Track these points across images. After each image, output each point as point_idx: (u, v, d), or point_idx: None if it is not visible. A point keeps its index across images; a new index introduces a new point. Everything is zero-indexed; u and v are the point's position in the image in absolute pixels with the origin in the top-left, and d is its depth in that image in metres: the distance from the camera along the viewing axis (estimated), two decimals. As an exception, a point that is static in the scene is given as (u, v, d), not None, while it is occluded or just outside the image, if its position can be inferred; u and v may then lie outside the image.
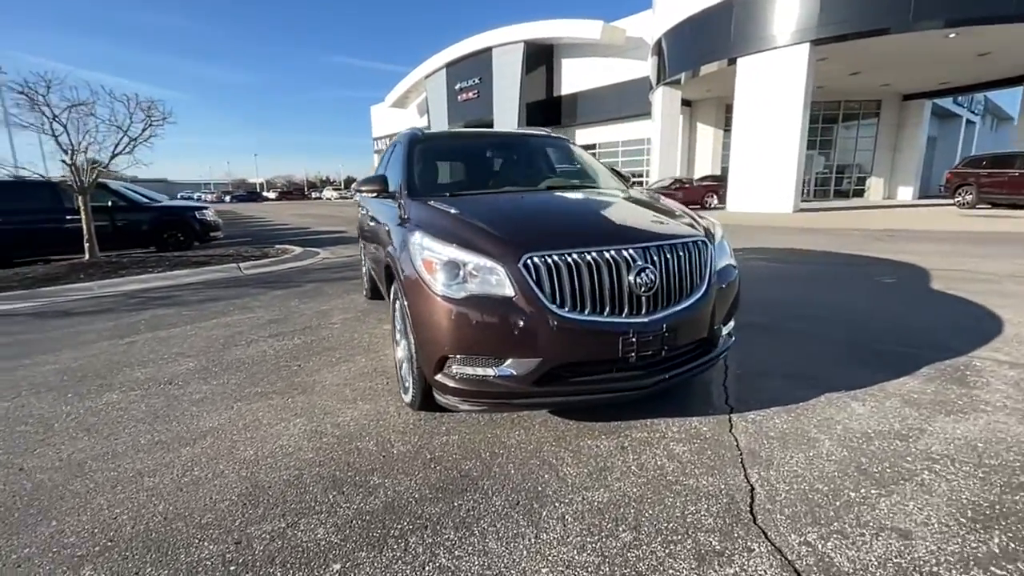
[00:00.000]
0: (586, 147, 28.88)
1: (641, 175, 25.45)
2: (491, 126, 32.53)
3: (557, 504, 1.82)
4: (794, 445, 2.15)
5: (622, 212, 2.69)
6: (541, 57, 29.77)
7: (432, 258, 2.15)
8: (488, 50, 31.11)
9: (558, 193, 3.09)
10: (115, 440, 2.43)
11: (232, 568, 1.56)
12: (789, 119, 15.01)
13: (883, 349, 3.26)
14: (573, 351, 2.03)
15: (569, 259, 2.02)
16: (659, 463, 2.06)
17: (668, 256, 2.16)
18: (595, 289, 2.03)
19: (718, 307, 2.35)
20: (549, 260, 2.01)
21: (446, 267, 2.10)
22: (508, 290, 2.00)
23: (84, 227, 7.51)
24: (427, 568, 1.53)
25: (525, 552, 1.58)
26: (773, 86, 15.15)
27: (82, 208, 7.42)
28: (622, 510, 1.77)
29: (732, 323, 2.59)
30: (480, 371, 2.07)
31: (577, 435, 2.30)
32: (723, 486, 1.89)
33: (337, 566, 1.55)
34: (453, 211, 2.49)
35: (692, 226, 2.45)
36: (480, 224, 2.27)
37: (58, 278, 6.80)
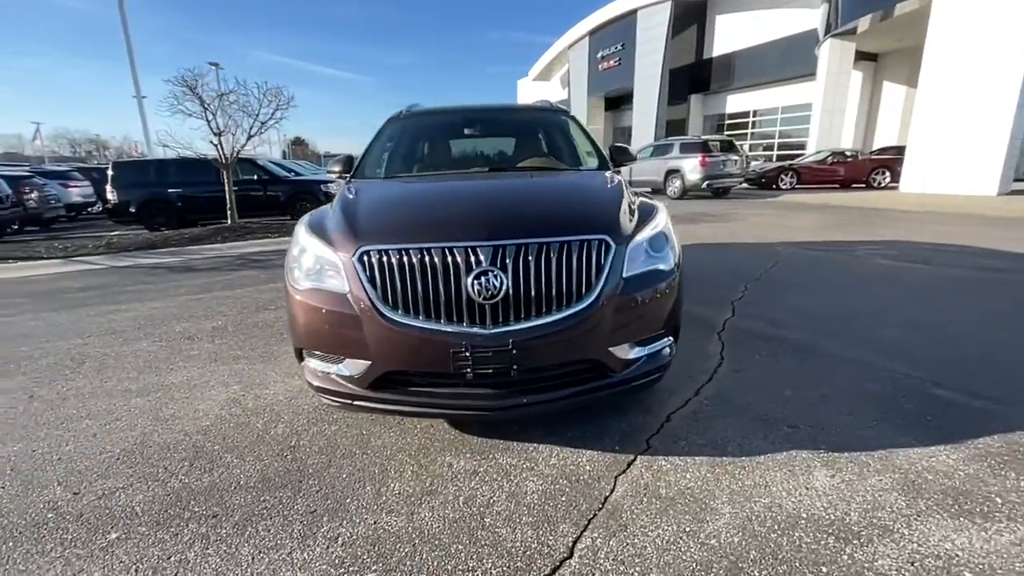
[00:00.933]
0: (738, 115, 25.57)
1: (804, 147, 21.76)
2: (631, 96, 30.74)
3: (344, 523, 1.67)
4: (678, 513, 1.66)
5: (522, 201, 2.31)
6: (691, 16, 26.80)
7: (295, 247, 2.09)
8: (633, 13, 29.03)
9: (484, 178, 2.78)
10: (104, 382, 2.90)
11: (50, 515, 1.76)
12: (1006, 68, 11.27)
13: (948, 398, 2.32)
14: (402, 359, 1.82)
15: (404, 256, 1.78)
16: (492, 499, 1.76)
17: (529, 259, 1.77)
18: (428, 292, 1.77)
19: (622, 323, 1.88)
20: (384, 256, 1.80)
21: (300, 257, 2.03)
22: (344, 285, 1.86)
23: (227, 197, 9.10)
24: (170, 560, 1.54)
25: (261, 567, 1.49)
26: (984, 21, 11.46)
27: (226, 181, 8.96)
28: (396, 547, 1.56)
29: (663, 344, 2.07)
30: (324, 367, 1.98)
31: (444, 448, 2.08)
32: (535, 546, 1.54)
33: (115, 535, 1.65)
34: (352, 196, 2.37)
35: (598, 222, 1.97)
36: (356, 211, 2.14)
37: (202, 239, 8.34)
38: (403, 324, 1.77)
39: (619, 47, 31.34)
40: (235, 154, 8.90)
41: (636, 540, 1.54)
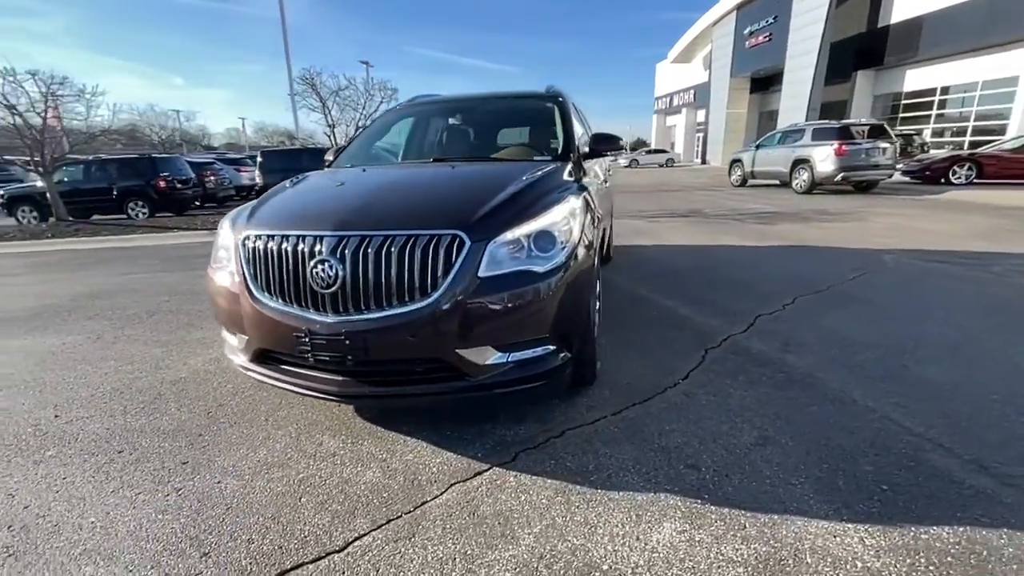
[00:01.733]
0: (919, 94, 21.18)
1: (1005, 131, 17.20)
2: (781, 76, 27.24)
3: (195, 478, 1.86)
4: (476, 534, 1.54)
5: (401, 194, 2.26)
6: (867, -24, 22.59)
7: (220, 228, 2.31)
8: (792, -21, 25.50)
9: (414, 168, 2.78)
10: (152, 333, 3.55)
11: (30, 430, 2.25)
12: None
13: (936, 467, 1.75)
14: (264, 337, 1.95)
15: (270, 241, 1.90)
16: (325, 481, 1.81)
17: (369, 251, 1.75)
18: (281, 276, 1.86)
19: (476, 325, 1.78)
20: (258, 240, 1.94)
21: (216, 240, 2.25)
22: (232, 265, 2.04)
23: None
24: (63, 480, 1.88)
25: (115, 500, 1.75)
26: None
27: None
28: (212, 505, 1.70)
29: (539, 351, 1.90)
30: (227, 337, 2.20)
31: (328, 427, 2.17)
32: (320, 533, 1.57)
33: (51, 453, 2.06)
34: (286, 185, 2.55)
35: (453, 217, 1.85)
36: (268, 198, 2.32)
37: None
38: (263, 304, 1.90)
39: (771, 20, 27.91)
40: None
41: (412, 551, 1.48)
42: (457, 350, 1.79)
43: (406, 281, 1.75)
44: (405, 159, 3.07)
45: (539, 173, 2.32)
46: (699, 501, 1.64)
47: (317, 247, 1.80)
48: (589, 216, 2.25)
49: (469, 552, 1.47)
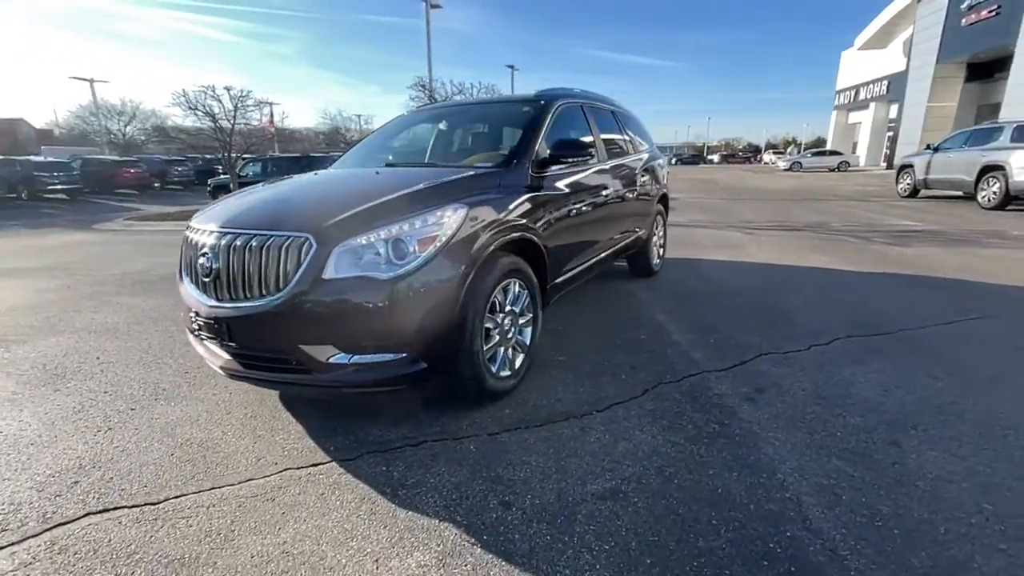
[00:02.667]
0: None
1: None
2: (1010, 57, 21.54)
3: (110, 413, 2.28)
4: (258, 518, 1.65)
5: (297, 196, 2.42)
6: None
7: None
8: (1040, -66, 19.75)
9: (353, 173, 2.96)
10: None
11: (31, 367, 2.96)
12: None
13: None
14: (183, 312, 2.28)
15: (190, 234, 2.22)
16: (151, 444, 2.08)
17: (236, 247, 1.95)
18: (188, 263, 2.17)
19: (317, 325, 1.88)
20: (187, 232, 2.27)
21: None
22: (186, 252, 2.43)
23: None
24: (14, 396, 2.45)
25: (52, 421, 2.24)
26: None
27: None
28: (68, 433, 2.08)
29: (386, 358, 1.92)
30: (188, 310, 2.61)
31: (238, 396, 2.46)
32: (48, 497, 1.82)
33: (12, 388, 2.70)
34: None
35: (307, 221, 1.95)
36: (224, 199, 2.66)
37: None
38: (182, 286, 2.23)
39: (1002, -12, 22.12)
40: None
41: (207, 518, 1.64)
42: (300, 345, 1.90)
43: (262, 277, 1.91)
44: (388, 164, 3.24)
45: (443, 180, 2.30)
46: (471, 542, 1.51)
47: (204, 240, 2.06)
48: (486, 227, 2.17)
49: (229, 531, 1.58)
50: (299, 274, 1.86)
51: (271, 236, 1.92)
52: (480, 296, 2.12)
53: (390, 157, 3.13)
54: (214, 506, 1.70)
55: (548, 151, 2.73)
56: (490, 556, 1.46)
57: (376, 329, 1.89)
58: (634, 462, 1.89)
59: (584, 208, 3.12)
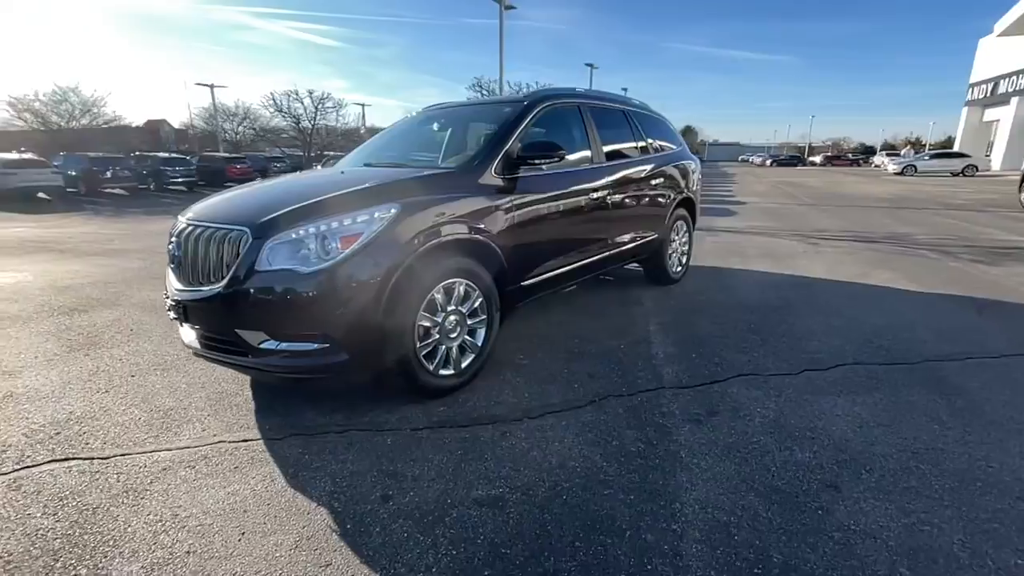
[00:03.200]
0: None
1: None
2: None
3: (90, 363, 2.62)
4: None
5: (262, 193, 2.55)
6: None
7: None
8: None
9: (326, 172, 3.13)
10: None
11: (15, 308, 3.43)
12: None
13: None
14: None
15: (174, 223, 2.49)
16: (120, 404, 2.34)
17: (194, 237, 2.17)
18: (168, 249, 2.44)
19: (249, 311, 2.05)
20: (174, 220, 2.55)
21: None
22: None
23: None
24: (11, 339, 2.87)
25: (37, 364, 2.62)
26: None
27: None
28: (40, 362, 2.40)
29: (308, 347, 2.04)
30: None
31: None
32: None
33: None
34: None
35: (247, 215, 2.12)
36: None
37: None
38: (167, 270, 2.52)
39: None
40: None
41: (113, 474, 1.87)
42: (236, 329, 2.08)
43: (209, 266, 2.12)
44: (366, 164, 3.36)
45: (389, 181, 2.39)
46: (333, 529, 1.58)
47: (175, 230, 2.31)
48: (423, 227, 2.22)
49: (144, 491, 1.77)
50: (236, 264, 2.03)
51: (219, 229, 2.12)
52: (411, 294, 2.17)
53: (375, 158, 3.26)
54: (146, 467, 1.92)
55: (518, 152, 2.71)
56: (341, 545, 1.51)
57: (299, 319, 2.02)
58: (533, 473, 1.85)
59: (567, 209, 3.06)
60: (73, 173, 16.93)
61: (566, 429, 2.15)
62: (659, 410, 2.30)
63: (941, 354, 2.90)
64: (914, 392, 2.45)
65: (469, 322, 2.51)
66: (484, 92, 10.36)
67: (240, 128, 31.86)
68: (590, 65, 29.08)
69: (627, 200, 3.66)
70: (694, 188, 4.72)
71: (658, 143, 4.26)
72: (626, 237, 3.77)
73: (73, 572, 1.42)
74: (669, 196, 4.23)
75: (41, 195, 15.53)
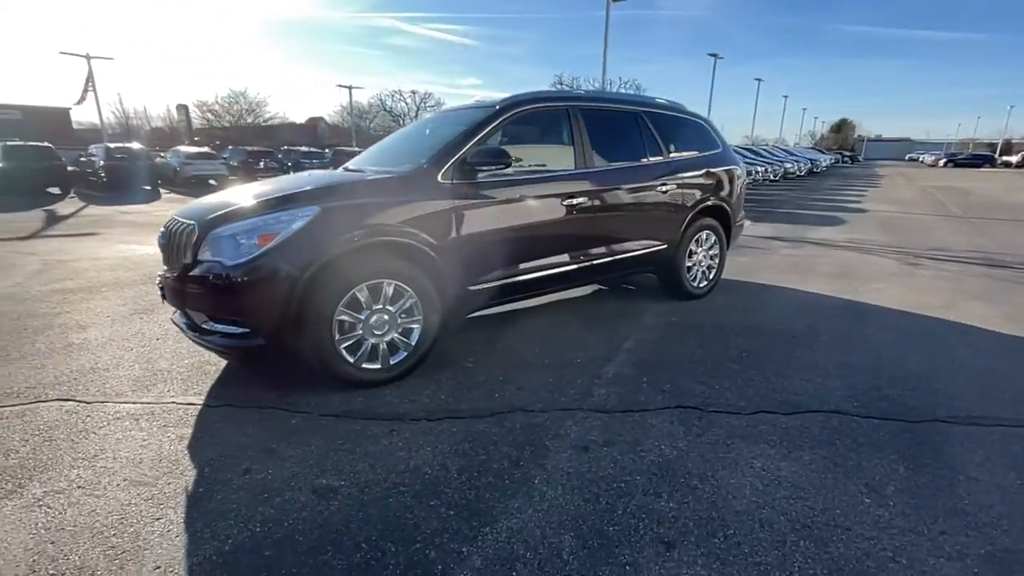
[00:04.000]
0: None
1: None
2: None
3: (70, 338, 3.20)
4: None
5: (248, 191, 2.79)
6: None
7: None
8: None
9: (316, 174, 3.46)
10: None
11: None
12: None
13: None
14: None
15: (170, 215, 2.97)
16: (104, 367, 2.82)
17: (171, 229, 2.58)
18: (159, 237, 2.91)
19: (193, 295, 2.42)
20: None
21: None
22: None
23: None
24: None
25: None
26: None
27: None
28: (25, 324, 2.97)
29: (232, 329, 2.35)
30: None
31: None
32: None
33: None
34: None
35: (200, 211, 2.49)
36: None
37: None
38: (167, 255, 3.02)
39: None
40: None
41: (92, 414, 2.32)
42: (187, 309, 2.46)
43: (179, 255, 2.51)
44: (345, 169, 3.59)
45: (324, 184, 2.66)
46: (168, 495, 1.82)
47: (165, 221, 2.77)
48: (343, 229, 2.39)
49: (83, 435, 2.19)
50: (187, 254, 2.40)
51: (185, 224, 2.51)
52: (328, 291, 2.36)
53: (371, 161, 3.48)
54: (108, 414, 2.36)
55: (470, 159, 2.75)
56: (180, 504, 1.75)
57: (224, 306, 2.33)
58: (383, 473, 1.93)
59: (535, 216, 3.03)
60: (234, 163, 20.26)
61: (449, 436, 2.18)
62: (555, 432, 2.21)
63: (961, 415, 2.34)
64: (876, 456, 2.03)
65: (401, 321, 2.63)
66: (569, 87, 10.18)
67: (372, 124, 35.51)
68: (714, 55, 27.01)
69: (622, 207, 3.48)
70: (729, 195, 4.27)
71: (680, 147, 3.95)
72: (623, 246, 3.58)
73: (16, 481, 1.85)
74: (687, 203, 3.90)
75: (211, 182, 18.88)
